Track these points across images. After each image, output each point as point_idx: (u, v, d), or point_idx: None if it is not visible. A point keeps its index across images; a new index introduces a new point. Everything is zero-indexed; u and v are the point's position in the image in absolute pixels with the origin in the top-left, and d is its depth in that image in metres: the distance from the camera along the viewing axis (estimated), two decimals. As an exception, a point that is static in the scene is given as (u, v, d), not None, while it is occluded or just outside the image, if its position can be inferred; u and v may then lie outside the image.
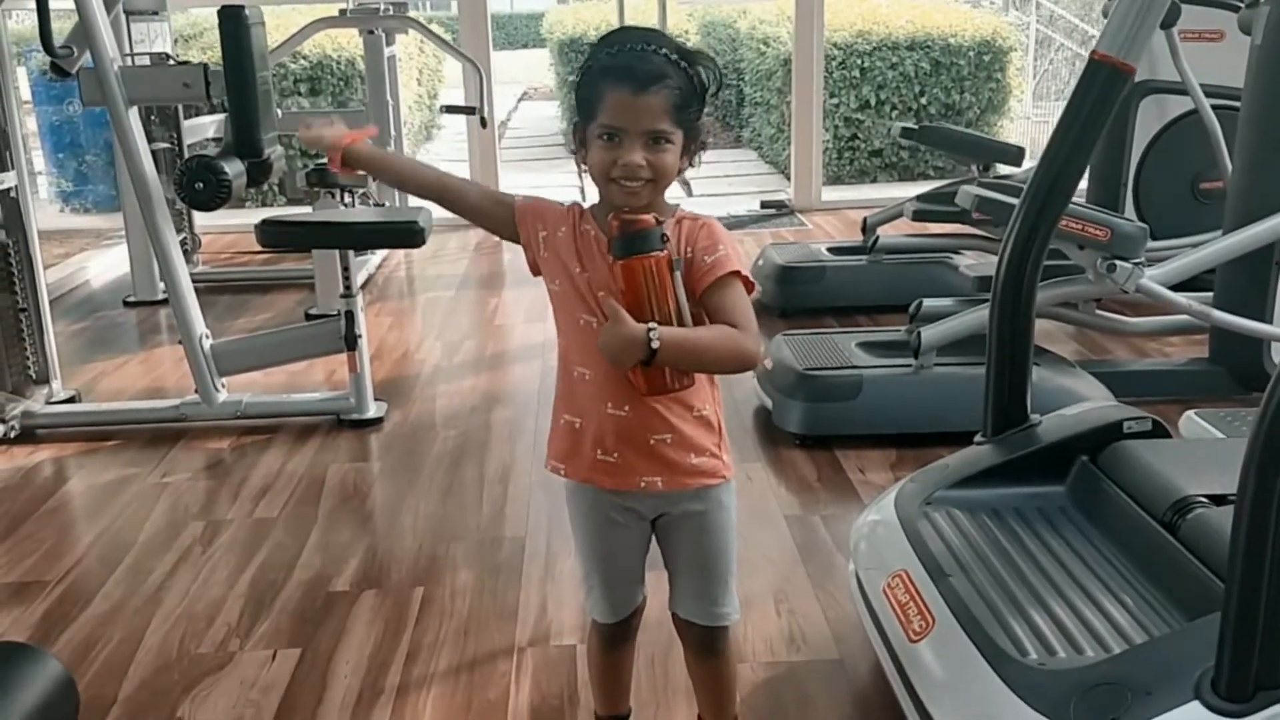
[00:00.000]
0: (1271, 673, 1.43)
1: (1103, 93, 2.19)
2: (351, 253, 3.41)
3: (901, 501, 2.15)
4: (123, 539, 2.83)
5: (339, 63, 7.46)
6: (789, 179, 7.27)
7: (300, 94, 7.39)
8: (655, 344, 1.47)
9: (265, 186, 7.24)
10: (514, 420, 3.60)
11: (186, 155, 4.34)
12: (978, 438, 2.30)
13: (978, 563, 1.93)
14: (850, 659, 2.22)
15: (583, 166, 1.60)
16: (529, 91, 16.08)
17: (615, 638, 1.79)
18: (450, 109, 6.08)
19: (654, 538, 1.72)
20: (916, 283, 4.39)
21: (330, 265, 4.12)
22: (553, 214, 1.64)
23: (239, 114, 3.21)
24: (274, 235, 3.36)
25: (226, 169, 3.15)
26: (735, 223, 6.44)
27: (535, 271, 1.68)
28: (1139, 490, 1.98)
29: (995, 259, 2.35)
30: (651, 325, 1.48)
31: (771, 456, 3.19)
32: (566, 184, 7.91)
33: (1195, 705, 1.45)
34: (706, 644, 1.76)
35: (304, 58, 7.37)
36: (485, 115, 5.60)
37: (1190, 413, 2.59)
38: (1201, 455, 2.15)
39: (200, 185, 3.11)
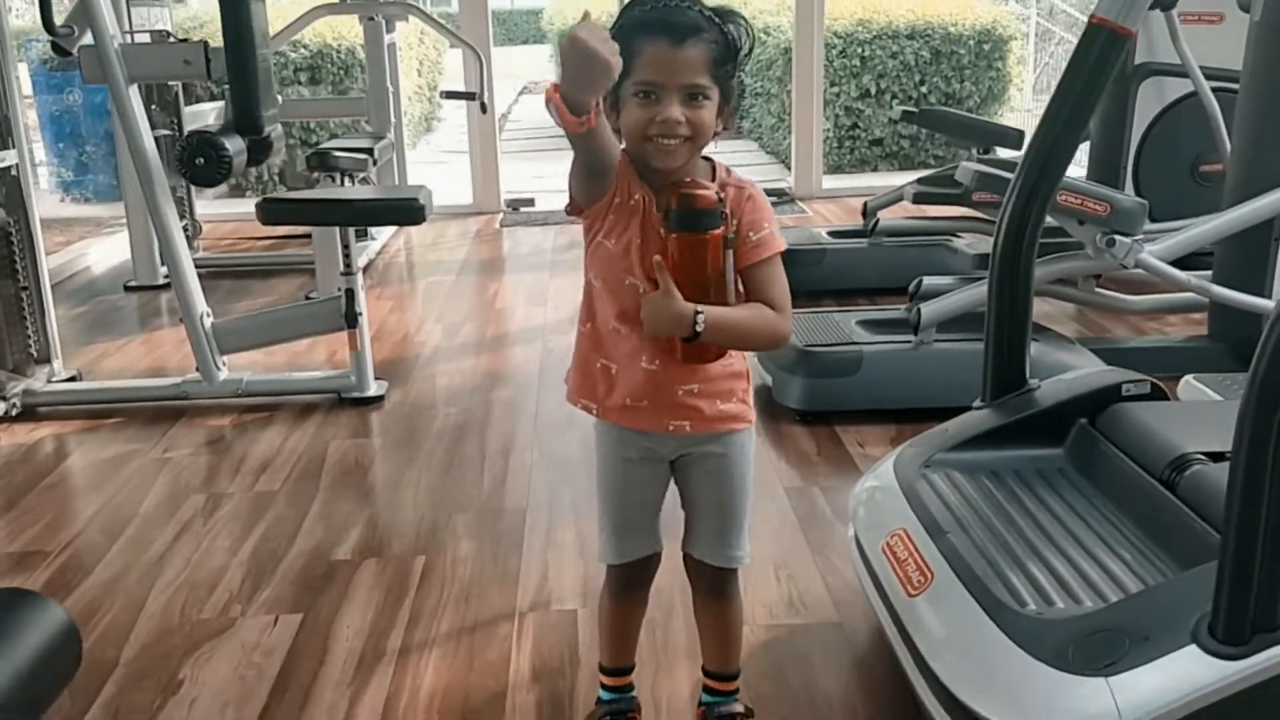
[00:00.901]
0: (1268, 616, 1.44)
1: (1101, 56, 2.19)
2: (352, 231, 3.42)
3: (900, 465, 2.16)
4: (124, 511, 2.84)
5: (339, 51, 7.46)
6: (789, 169, 7.28)
7: (300, 83, 7.39)
8: (700, 326, 1.51)
9: (266, 175, 7.28)
10: (515, 399, 3.61)
11: (187, 138, 4.35)
12: (976, 403, 2.30)
13: (976, 521, 1.93)
14: (850, 622, 2.22)
15: (618, 133, 1.56)
16: (529, 86, 16.11)
17: (623, 585, 1.79)
18: (450, 94, 6.09)
19: (673, 481, 1.73)
20: (916, 265, 4.38)
21: (330, 248, 4.13)
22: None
23: (239, 91, 3.22)
24: (274, 212, 3.37)
25: (227, 145, 3.16)
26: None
27: (581, 215, 1.63)
28: (1137, 450, 1.99)
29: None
30: (699, 308, 1.50)
31: (772, 432, 3.20)
32: (562, 180, 7.89)
33: (1192, 649, 1.46)
34: (717, 586, 1.77)
35: (304, 47, 7.37)
36: (485, 101, 5.60)
37: (1188, 377, 2.59)
38: (1200, 416, 2.16)
39: (201, 160, 3.12)
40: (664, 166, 1.54)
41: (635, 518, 1.73)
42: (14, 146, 3.50)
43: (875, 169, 7.98)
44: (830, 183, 7.11)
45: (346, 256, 3.42)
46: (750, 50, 1.57)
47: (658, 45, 1.49)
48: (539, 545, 2.59)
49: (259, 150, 3.34)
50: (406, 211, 3.32)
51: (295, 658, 2.17)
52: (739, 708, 1.84)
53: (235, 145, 3.20)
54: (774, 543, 2.56)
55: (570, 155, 1.55)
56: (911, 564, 1.85)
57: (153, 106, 4.90)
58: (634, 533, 1.74)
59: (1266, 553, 1.42)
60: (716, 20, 1.53)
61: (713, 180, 1.59)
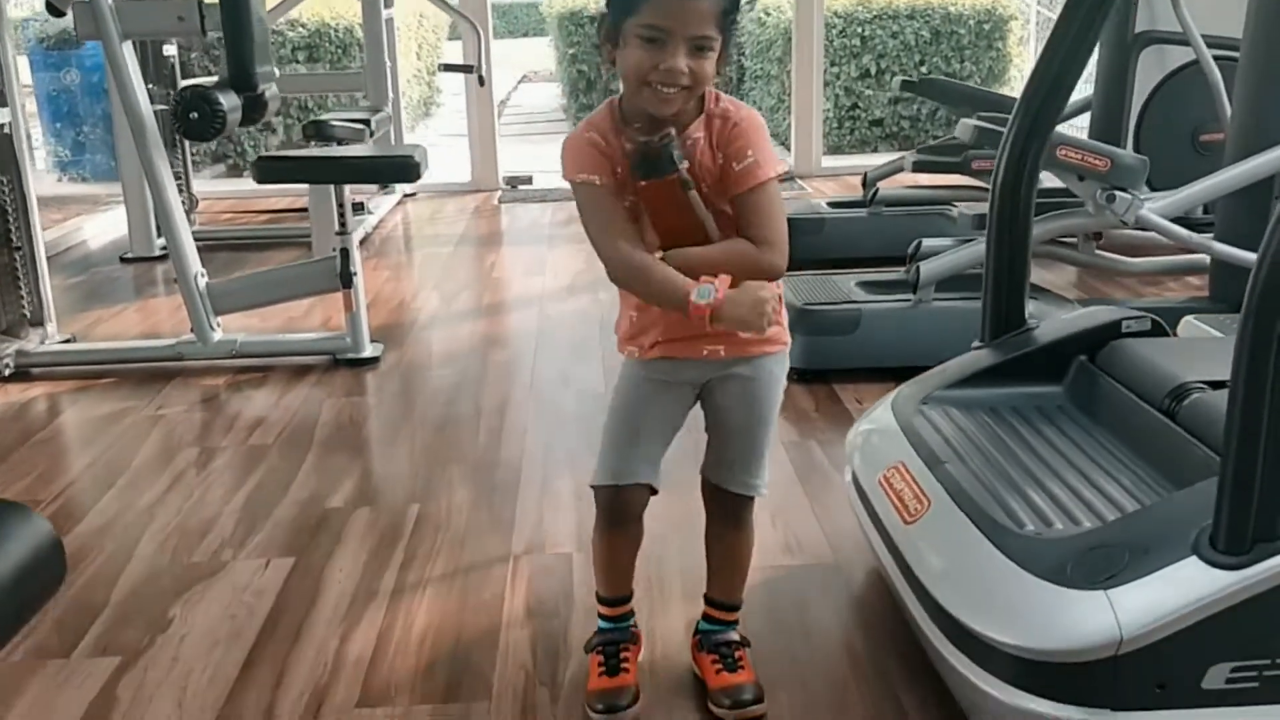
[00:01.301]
0: (1269, 526, 1.42)
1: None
2: (347, 190, 3.39)
3: (898, 403, 2.14)
4: (116, 464, 2.82)
5: (337, 30, 7.44)
6: (789, 149, 7.25)
7: (298, 61, 7.38)
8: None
9: (263, 150, 7.25)
10: (511, 361, 3.59)
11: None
12: (974, 343, 2.28)
13: (974, 452, 1.91)
14: (846, 563, 2.20)
15: (611, 66, 1.55)
16: (529, 75, 16.14)
17: (610, 519, 1.75)
18: (449, 67, 6.08)
19: (700, 406, 1.72)
20: (915, 233, 4.30)
21: (326, 211, 4.09)
22: (598, 157, 1.58)
23: (234, 46, 3.19)
24: (270, 170, 3.35)
25: (222, 100, 3.13)
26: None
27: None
28: (1137, 382, 1.96)
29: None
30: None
31: (769, 389, 3.17)
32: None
33: (1193, 560, 1.44)
34: (733, 514, 1.77)
35: (302, 26, 7.36)
36: (483, 74, 5.58)
37: (1189, 318, 2.57)
38: (1201, 349, 2.13)
39: (195, 115, 3.09)
40: (659, 113, 1.53)
41: (642, 436, 1.70)
42: (7, 105, 3.47)
43: (875, 149, 7.96)
44: (830, 162, 7.08)
45: (341, 216, 3.39)
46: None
47: None
48: (534, 494, 2.57)
49: (254, 108, 3.32)
50: (402, 169, 3.30)
51: (286, 598, 2.15)
52: (736, 636, 1.82)
53: (230, 101, 3.18)
54: (771, 492, 2.50)
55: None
56: (908, 493, 1.83)
57: (150, 86, 4.88)
58: (635, 454, 1.69)
59: (1268, 462, 1.40)
60: None
61: (701, 112, 1.57)
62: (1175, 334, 2.62)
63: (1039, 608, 1.50)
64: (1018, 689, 1.49)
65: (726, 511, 1.78)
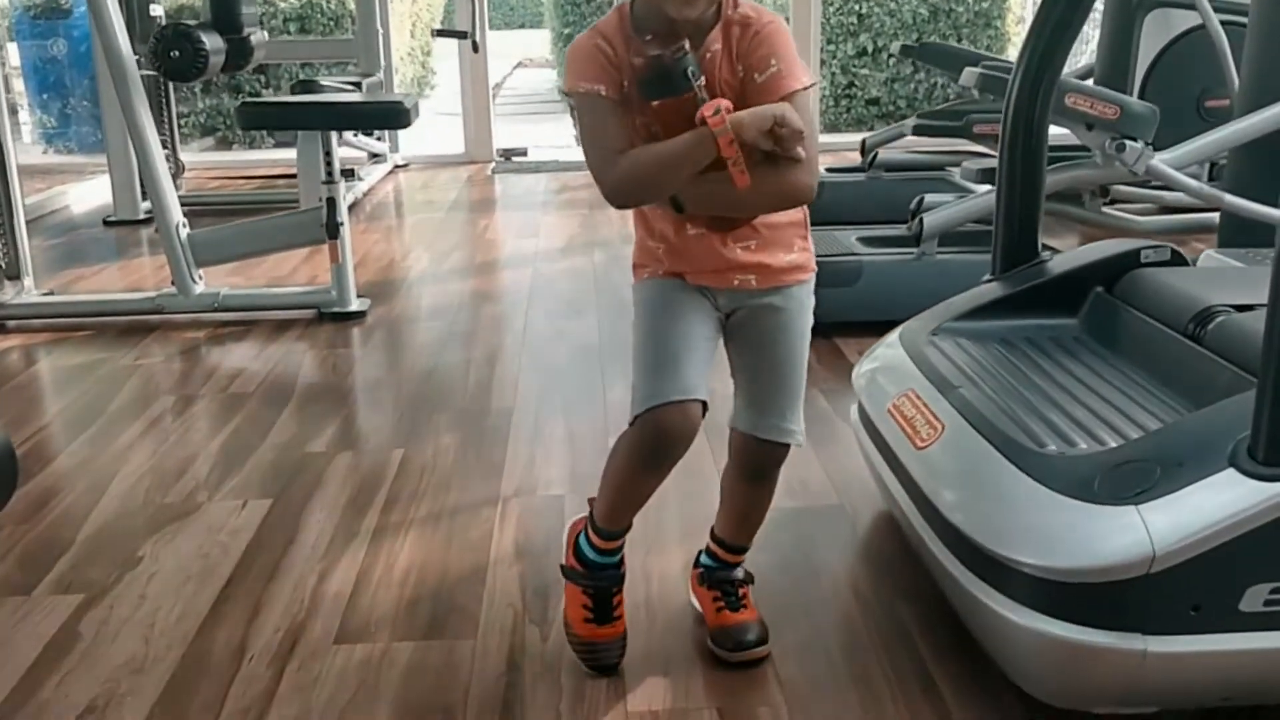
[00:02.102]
0: (1313, 434, 1.32)
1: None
2: (334, 137, 3.28)
3: (907, 334, 2.04)
4: (91, 410, 2.71)
5: (329, 2, 7.33)
6: (786, 125, 7.14)
7: (289, 33, 7.26)
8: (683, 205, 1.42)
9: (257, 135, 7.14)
10: (503, 315, 3.48)
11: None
12: (985, 277, 2.18)
13: (989, 378, 1.81)
14: (851, 504, 2.11)
15: None
16: (524, 61, 16.08)
17: (660, 444, 1.46)
18: (442, 32, 5.97)
19: (724, 346, 1.56)
20: (914, 197, 4.27)
21: (313, 162, 3.96)
22: (606, 66, 1.42)
23: (217, -16, 3.08)
24: (255, 116, 3.24)
25: (205, 39, 3.02)
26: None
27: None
28: (1158, 309, 1.87)
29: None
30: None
31: (768, 344, 3.08)
32: (556, 137, 7.80)
33: (1230, 472, 1.34)
34: (766, 467, 1.60)
35: (293, -4, 7.25)
36: (476, 40, 5.47)
37: (1208, 250, 2.48)
38: (1224, 277, 2.05)
39: (176, 54, 2.99)
40: (679, 15, 1.37)
41: (682, 349, 1.48)
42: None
43: (871, 128, 7.85)
44: (826, 139, 6.98)
45: (328, 164, 3.28)
46: None
47: None
48: (525, 439, 2.46)
49: (238, 53, 3.22)
50: (392, 115, 3.20)
51: (263, 538, 2.05)
52: (740, 574, 1.71)
53: (213, 42, 3.08)
54: (771, 437, 2.44)
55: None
56: (920, 419, 1.73)
57: (139, 58, 4.77)
58: (680, 369, 1.46)
59: (1313, 364, 1.30)
60: None
61: (718, 19, 1.42)
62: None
63: (1064, 526, 1.39)
64: (1041, 613, 1.38)
65: (759, 465, 1.59)
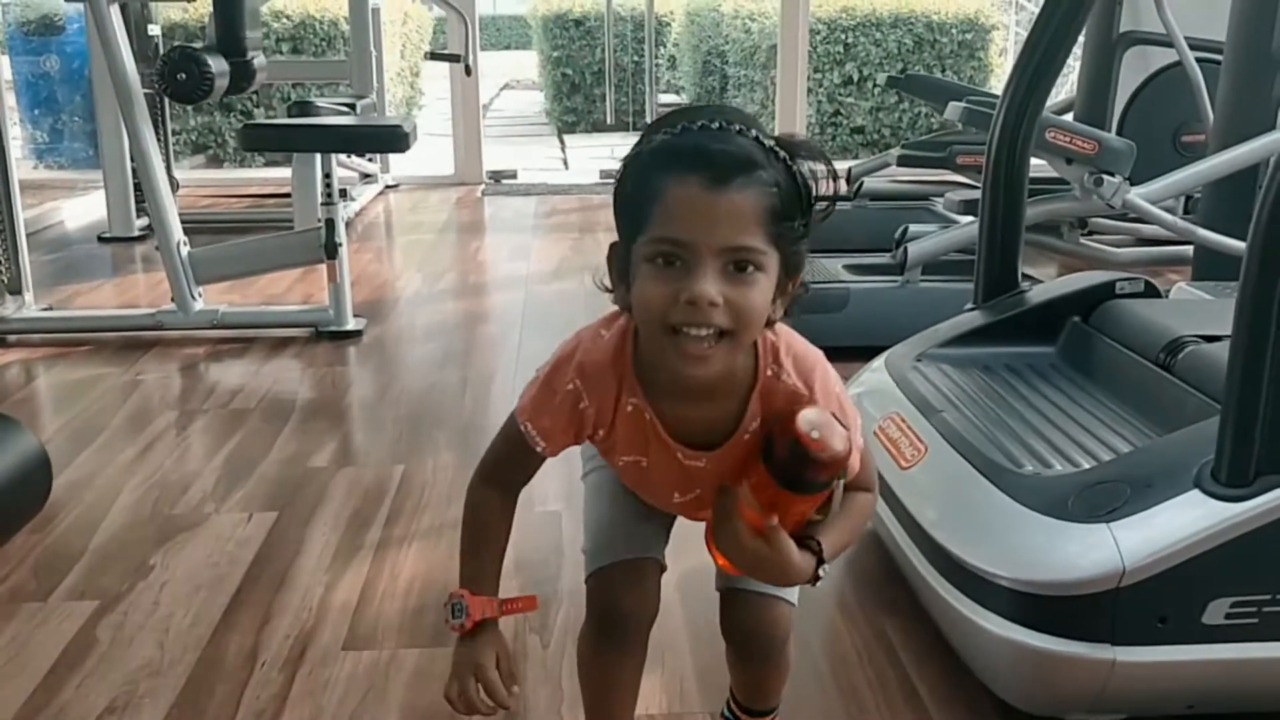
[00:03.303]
0: (1272, 458, 1.41)
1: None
2: (334, 159, 3.36)
3: (892, 360, 2.14)
4: (94, 424, 2.77)
5: (321, 23, 7.42)
6: (771, 152, 7.27)
7: (282, 53, 7.34)
8: (824, 571, 1.13)
9: (247, 153, 7.20)
10: (498, 335, 3.56)
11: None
12: (967, 306, 2.28)
13: (970, 402, 1.91)
14: (837, 523, 2.19)
15: (627, 313, 1.16)
16: (511, 82, 16.17)
17: (612, 613, 1.27)
18: (435, 55, 6.07)
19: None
20: (899, 226, 4.38)
21: (309, 183, 4.05)
22: (567, 423, 1.21)
23: (224, 9, 3.17)
24: (256, 138, 3.32)
25: (210, 62, 3.10)
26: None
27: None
28: (1131, 338, 1.97)
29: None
30: (821, 553, 1.12)
31: (756, 367, 3.17)
32: (544, 160, 7.90)
33: (1195, 493, 1.44)
34: (753, 632, 1.31)
35: (286, 17, 7.33)
36: (469, 63, 5.56)
37: (1180, 283, 2.59)
38: (1195, 308, 2.15)
39: (183, 76, 3.06)
40: (691, 374, 1.07)
41: (638, 512, 1.31)
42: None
43: (856, 156, 7.98)
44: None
45: (328, 185, 3.36)
46: (831, 205, 1.09)
47: (688, 187, 1.02)
48: (521, 457, 2.54)
49: (242, 75, 3.29)
50: (390, 139, 3.28)
51: (270, 548, 2.11)
52: None
53: (219, 65, 3.15)
54: (759, 457, 2.52)
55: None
56: (904, 441, 1.82)
57: (141, 67, 4.84)
58: (633, 529, 1.31)
59: (1271, 393, 1.39)
60: (780, 153, 1.05)
61: (756, 373, 1.14)
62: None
63: (1040, 542, 1.49)
64: (1017, 624, 1.47)
65: (749, 632, 1.29)
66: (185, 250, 3.44)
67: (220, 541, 2.14)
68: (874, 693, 1.65)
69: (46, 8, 7.16)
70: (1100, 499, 1.48)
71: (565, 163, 8.09)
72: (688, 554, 1.89)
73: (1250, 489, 1.41)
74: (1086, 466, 1.64)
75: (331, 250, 3.38)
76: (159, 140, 5.08)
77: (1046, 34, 2.17)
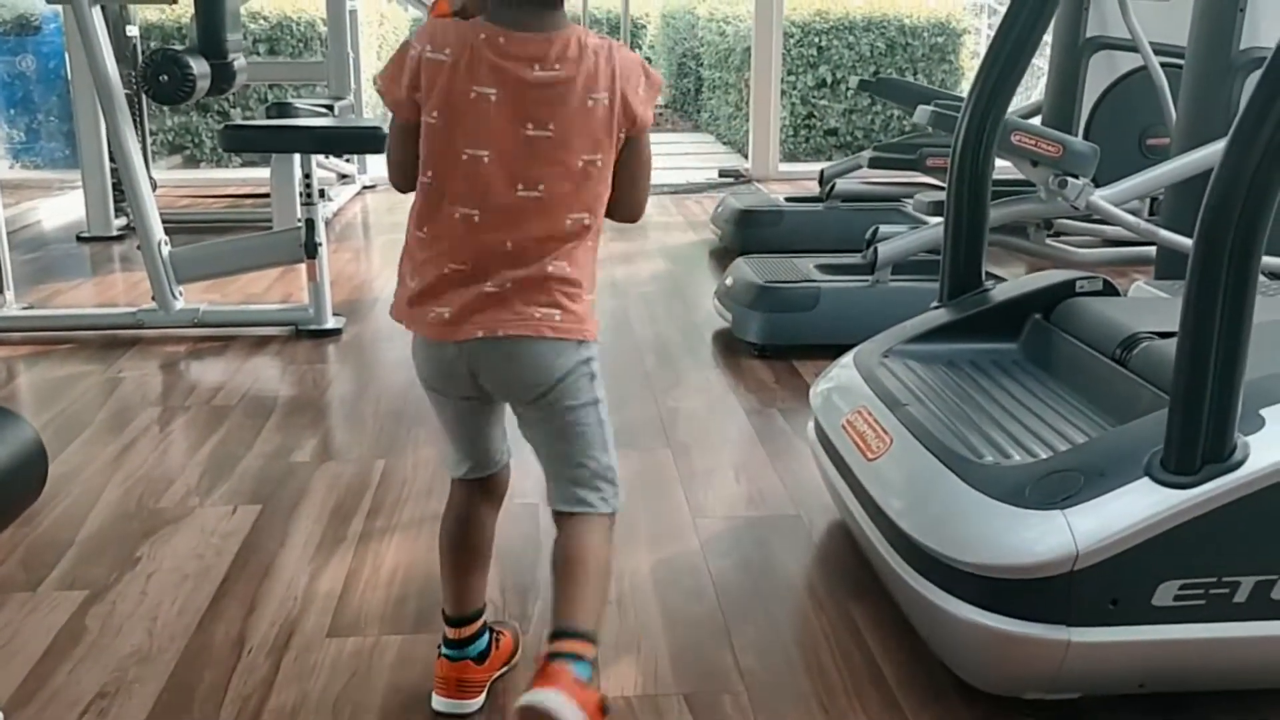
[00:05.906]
0: (1218, 447, 1.49)
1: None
2: (313, 159, 3.41)
3: (860, 356, 2.20)
4: (78, 420, 2.81)
5: (298, 24, 7.44)
6: (747, 156, 7.34)
7: (259, 54, 7.35)
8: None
9: (224, 153, 7.21)
10: (474, 334, 3.61)
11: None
12: (932, 304, 2.35)
13: (934, 396, 1.98)
14: (808, 514, 2.26)
15: None
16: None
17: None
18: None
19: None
20: (870, 227, 4.45)
21: (288, 183, 4.09)
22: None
23: (205, 12, 3.21)
24: (237, 139, 3.36)
25: (192, 64, 3.14)
26: (693, 188, 6.49)
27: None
28: (1089, 335, 2.04)
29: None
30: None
31: (730, 365, 3.23)
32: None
33: (1146, 481, 1.51)
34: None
35: (263, 18, 7.35)
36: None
37: (1139, 282, 2.67)
38: (1150, 306, 2.22)
39: (165, 78, 3.10)
40: None
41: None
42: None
43: (830, 158, 8.06)
44: (786, 168, 7.18)
45: (307, 185, 3.41)
46: None
47: None
48: (500, 452, 2.59)
49: (222, 77, 3.33)
50: (369, 140, 3.32)
51: (255, 540, 2.16)
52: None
53: (200, 67, 3.19)
54: (733, 451, 2.60)
55: None
56: (870, 433, 1.89)
57: (120, 68, 4.86)
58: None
59: (1217, 384, 1.47)
60: None
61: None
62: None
63: (998, 528, 1.56)
64: (977, 607, 1.54)
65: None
66: (166, 249, 3.47)
67: (205, 534, 2.19)
68: (841, 673, 1.72)
69: (22, 8, 7.17)
70: (1056, 487, 1.55)
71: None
72: (664, 542, 1.96)
73: (1197, 477, 1.48)
74: (1044, 457, 1.71)
75: (311, 250, 3.42)
76: (138, 141, 5.12)
77: (1009, 39, 2.24)
